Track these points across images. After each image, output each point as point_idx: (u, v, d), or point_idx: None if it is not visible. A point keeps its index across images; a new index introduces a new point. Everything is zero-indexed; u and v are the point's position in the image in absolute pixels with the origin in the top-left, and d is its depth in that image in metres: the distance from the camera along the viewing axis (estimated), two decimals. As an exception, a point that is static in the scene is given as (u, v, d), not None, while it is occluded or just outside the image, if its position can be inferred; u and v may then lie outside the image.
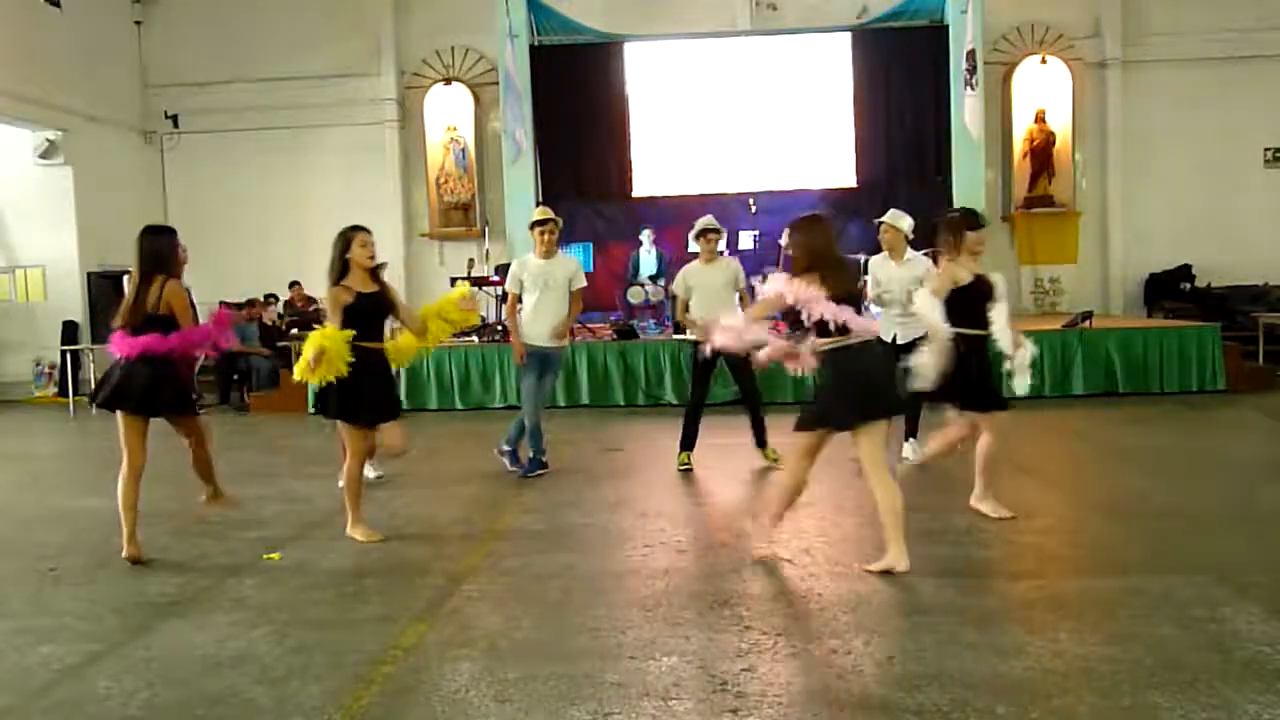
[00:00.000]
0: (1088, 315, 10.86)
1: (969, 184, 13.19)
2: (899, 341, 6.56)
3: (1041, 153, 14.19)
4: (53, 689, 3.44)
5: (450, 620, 4.00)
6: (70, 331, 13.35)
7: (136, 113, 15.11)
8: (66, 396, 12.57)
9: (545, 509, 5.97)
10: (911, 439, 6.82)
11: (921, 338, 6.59)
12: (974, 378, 5.17)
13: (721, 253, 7.36)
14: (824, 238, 4.55)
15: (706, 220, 7.18)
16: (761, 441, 7.17)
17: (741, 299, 7.12)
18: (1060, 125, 14.16)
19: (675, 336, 10.17)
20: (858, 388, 4.41)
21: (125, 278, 5.39)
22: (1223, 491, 5.97)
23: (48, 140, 13.25)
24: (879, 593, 4.18)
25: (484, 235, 14.31)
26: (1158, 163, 13.71)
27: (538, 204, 14.11)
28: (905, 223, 6.86)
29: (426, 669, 3.48)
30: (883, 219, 6.90)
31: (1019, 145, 14.24)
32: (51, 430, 11.14)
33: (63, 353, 13.13)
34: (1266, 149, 14.16)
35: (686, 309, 7.06)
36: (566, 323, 6.90)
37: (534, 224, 6.85)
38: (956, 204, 13.18)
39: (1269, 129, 14.08)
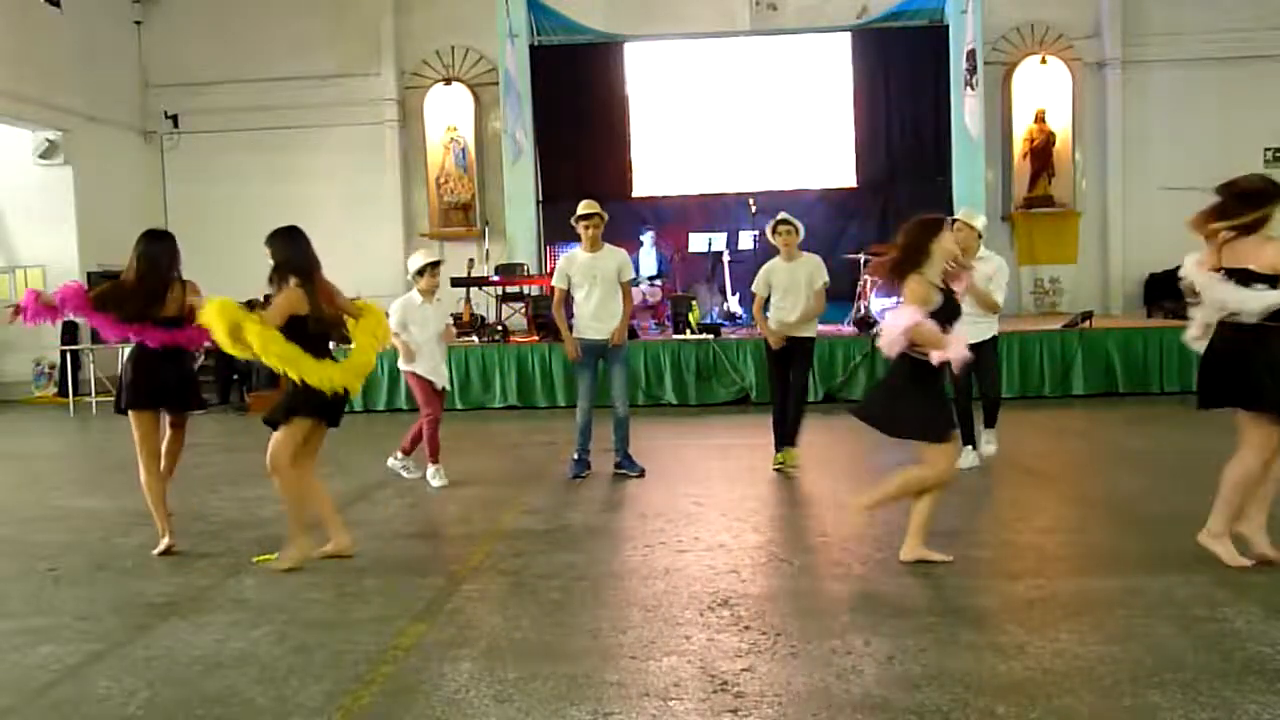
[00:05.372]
0: (1088, 315, 10.85)
1: (969, 184, 13.24)
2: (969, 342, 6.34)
3: (1041, 153, 14.22)
4: (53, 689, 3.44)
5: (450, 620, 4.00)
6: (70, 331, 13.33)
7: (136, 113, 15.12)
8: (66, 396, 12.57)
9: (545, 509, 5.97)
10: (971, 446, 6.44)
11: (990, 340, 6.47)
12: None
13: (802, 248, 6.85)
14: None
15: (781, 214, 6.81)
16: (790, 441, 6.82)
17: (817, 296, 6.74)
18: (1060, 125, 14.20)
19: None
20: None
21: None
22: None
23: (48, 140, 13.27)
24: (879, 593, 4.18)
25: (484, 235, 14.32)
26: (1158, 163, 13.70)
27: (538, 203, 14.20)
28: (980, 221, 6.56)
29: (426, 669, 3.48)
30: (955, 216, 6.43)
31: (1019, 145, 14.27)
32: (51, 430, 11.14)
33: (63, 353, 13.14)
34: (1266, 149, 14.17)
35: (765, 307, 6.75)
36: (624, 318, 6.71)
37: (579, 218, 6.72)
38: (957, 204, 13.24)
39: (1269, 129, 14.10)
